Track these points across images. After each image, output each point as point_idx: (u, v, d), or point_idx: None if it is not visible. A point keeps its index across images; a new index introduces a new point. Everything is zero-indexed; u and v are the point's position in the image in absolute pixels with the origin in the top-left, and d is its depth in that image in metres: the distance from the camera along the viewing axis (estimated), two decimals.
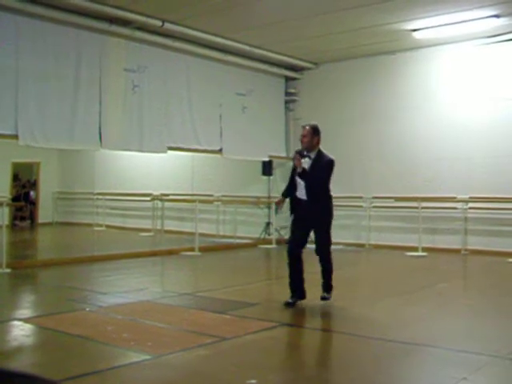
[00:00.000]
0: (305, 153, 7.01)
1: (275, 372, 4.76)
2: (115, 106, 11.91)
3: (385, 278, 9.93)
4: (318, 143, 7.08)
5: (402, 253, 12.73)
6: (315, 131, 7.08)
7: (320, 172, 6.94)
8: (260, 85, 15.15)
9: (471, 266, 11.89)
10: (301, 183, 6.98)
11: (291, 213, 7.25)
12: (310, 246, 7.18)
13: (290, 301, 7.09)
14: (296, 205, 7.12)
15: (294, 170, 7.12)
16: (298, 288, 7.11)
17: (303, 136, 7.06)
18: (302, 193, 7.01)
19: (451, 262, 11.90)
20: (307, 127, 7.10)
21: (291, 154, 15.34)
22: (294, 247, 7.07)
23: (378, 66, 14.32)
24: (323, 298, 7.05)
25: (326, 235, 7.07)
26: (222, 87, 14.13)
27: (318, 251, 7.04)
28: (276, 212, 15.26)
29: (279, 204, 7.43)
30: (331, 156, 7.06)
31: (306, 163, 6.96)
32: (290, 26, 12.02)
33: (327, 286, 7.10)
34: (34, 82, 10.65)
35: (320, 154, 7.04)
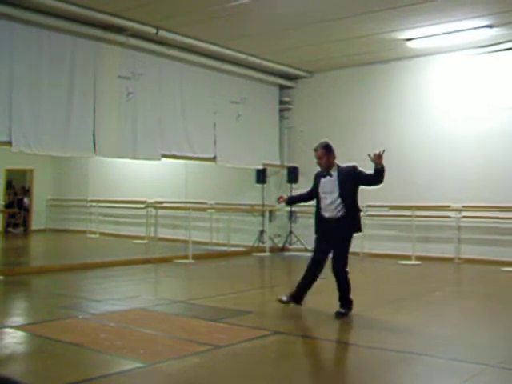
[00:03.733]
0: (325, 173, 6.99)
1: (268, 380, 4.75)
2: (109, 113, 11.90)
3: (378, 286, 9.93)
4: (334, 158, 7.04)
5: (396, 261, 12.74)
6: (328, 149, 7.00)
7: (352, 181, 6.91)
8: (254, 93, 15.18)
9: (465, 275, 11.90)
10: (326, 199, 6.90)
11: (316, 231, 7.15)
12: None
13: (284, 299, 7.18)
14: (320, 222, 7.05)
15: (315, 185, 7.13)
16: (299, 292, 7.15)
17: (319, 158, 6.98)
18: (326, 209, 6.91)
19: (445, 271, 11.92)
20: (319, 148, 7.00)
21: (285, 162, 15.47)
22: (320, 259, 7.01)
23: (372, 75, 14.36)
24: (338, 314, 6.81)
25: (344, 252, 6.91)
26: (217, 95, 14.14)
27: (333, 267, 6.88)
28: (270, 219, 15.29)
29: (281, 200, 7.54)
30: (351, 163, 7.05)
31: (328, 182, 6.92)
32: (285, 34, 12.06)
33: (344, 300, 6.90)
34: (28, 88, 10.63)
35: (340, 167, 7.00)
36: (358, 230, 7.02)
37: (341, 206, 6.83)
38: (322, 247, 7.02)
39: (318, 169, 7.17)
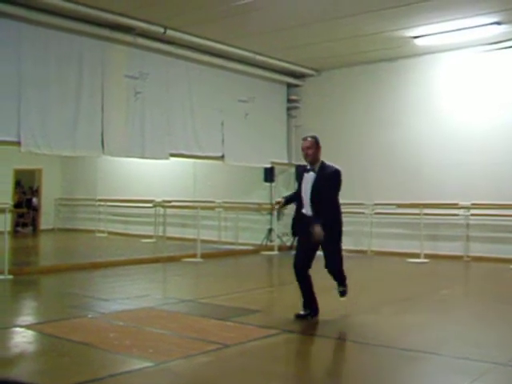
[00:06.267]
0: (308, 167, 6.74)
1: (277, 379, 4.76)
2: (117, 113, 11.93)
3: (387, 284, 9.91)
4: (320, 155, 6.77)
5: (404, 259, 12.71)
6: (318, 142, 6.74)
7: (327, 184, 6.62)
8: (262, 91, 15.18)
9: (473, 273, 11.87)
10: (306, 196, 6.66)
11: (293, 231, 7.04)
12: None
13: (302, 313, 6.83)
14: (300, 221, 6.78)
15: (299, 183, 6.88)
16: (310, 305, 6.84)
17: (308, 148, 6.67)
18: (308, 208, 6.67)
19: (453, 269, 11.88)
20: (309, 138, 6.74)
21: (293, 161, 15.45)
22: (300, 268, 6.74)
23: (380, 73, 14.33)
24: (341, 293, 6.94)
25: (334, 249, 6.74)
26: (224, 94, 14.15)
27: (327, 266, 6.71)
28: (278, 217, 15.29)
29: (278, 205, 7.17)
30: (336, 166, 6.76)
31: (310, 177, 6.66)
32: (292, 32, 12.05)
33: (340, 279, 6.92)
34: (36, 88, 10.67)
35: (324, 165, 6.73)
36: (337, 232, 6.78)
37: (314, 204, 6.61)
38: (302, 252, 6.76)
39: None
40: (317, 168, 6.71)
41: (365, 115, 14.52)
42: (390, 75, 14.20)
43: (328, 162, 6.80)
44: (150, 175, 18.12)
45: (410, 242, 13.31)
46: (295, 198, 6.97)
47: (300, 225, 6.81)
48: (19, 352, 5.52)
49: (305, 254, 6.74)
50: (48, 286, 10.01)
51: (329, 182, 6.65)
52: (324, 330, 6.44)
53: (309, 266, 6.74)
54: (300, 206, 6.81)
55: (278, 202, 7.15)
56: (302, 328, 6.60)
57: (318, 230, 6.42)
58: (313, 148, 6.70)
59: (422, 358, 5.28)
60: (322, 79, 15.41)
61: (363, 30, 11.89)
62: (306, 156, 6.75)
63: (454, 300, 8.47)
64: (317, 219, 6.49)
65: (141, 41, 11.99)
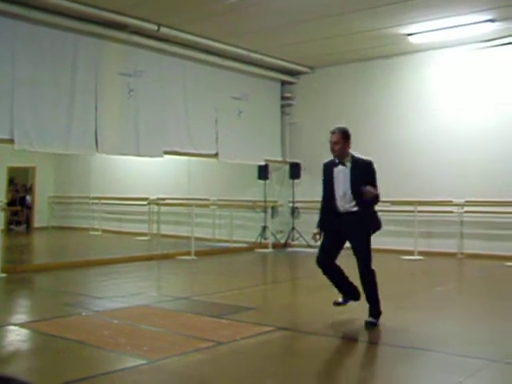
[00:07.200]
0: (336, 161, 6.44)
1: (273, 376, 4.75)
2: (111, 111, 11.90)
3: (381, 282, 9.85)
4: (349, 148, 6.42)
5: (398, 256, 12.73)
6: (346, 136, 6.39)
7: (363, 176, 6.31)
8: (256, 89, 15.17)
9: (467, 270, 11.89)
10: (339, 191, 6.37)
11: (321, 228, 6.61)
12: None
13: (340, 300, 6.67)
14: (330, 217, 6.52)
15: (328, 177, 6.52)
16: (346, 291, 6.68)
17: (334, 143, 6.34)
18: (340, 202, 6.39)
19: (447, 266, 11.91)
20: (337, 132, 6.36)
21: (287, 158, 15.46)
22: (322, 260, 6.53)
23: (374, 71, 14.34)
24: (369, 324, 6.27)
25: (364, 249, 6.59)
26: (218, 91, 14.13)
27: (358, 267, 6.55)
28: (272, 215, 15.30)
29: (317, 236, 6.61)
30: (367, 158, 6.49)
31: (342, 171, 6.39)
32: (286, 30, 12.04)
33: (375, 311, 6.37)
34: (30, 86, 10.64)
35: (354, 158, 6.41)
36: (377, 227, 6.57)
37: (352, 198, 6.35)
38: (326, 247, 6.57)
39: (322, 161, 6.71)
40: (347, 162, 6.41)
41: (359, 112, 14.48)
42: (384, 72, 14.21)
43: (358, 154, 6.51)
44: (144, 173, 18.09)
45: (404, 240, 13.32)
46: (326, 206, 6.59)
47: (329, 221, 6.56)
48: (13, 350, 5.50)
49: (329, 249, 6.55)
50: (42, 284, 9.99)
51: (364, 174, 6.36)
52: (318, 328, 6.43)
53: (334, 257, 6.58)
54: (330, 202, 6.52)
55: (316, 234, 6.63)
56: (296, 325, 6.60)
57: (368, 188, 6.15)
58: (339, 143, 6.38)
59: (417, 355, 5.29)
60: (316, 76, 15.41)
61: (357, 28, 11.89)
62: (332, 151, 6.47)
63: (448, 297, 8.49)
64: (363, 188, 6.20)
65: (135, 38, 11.97)
